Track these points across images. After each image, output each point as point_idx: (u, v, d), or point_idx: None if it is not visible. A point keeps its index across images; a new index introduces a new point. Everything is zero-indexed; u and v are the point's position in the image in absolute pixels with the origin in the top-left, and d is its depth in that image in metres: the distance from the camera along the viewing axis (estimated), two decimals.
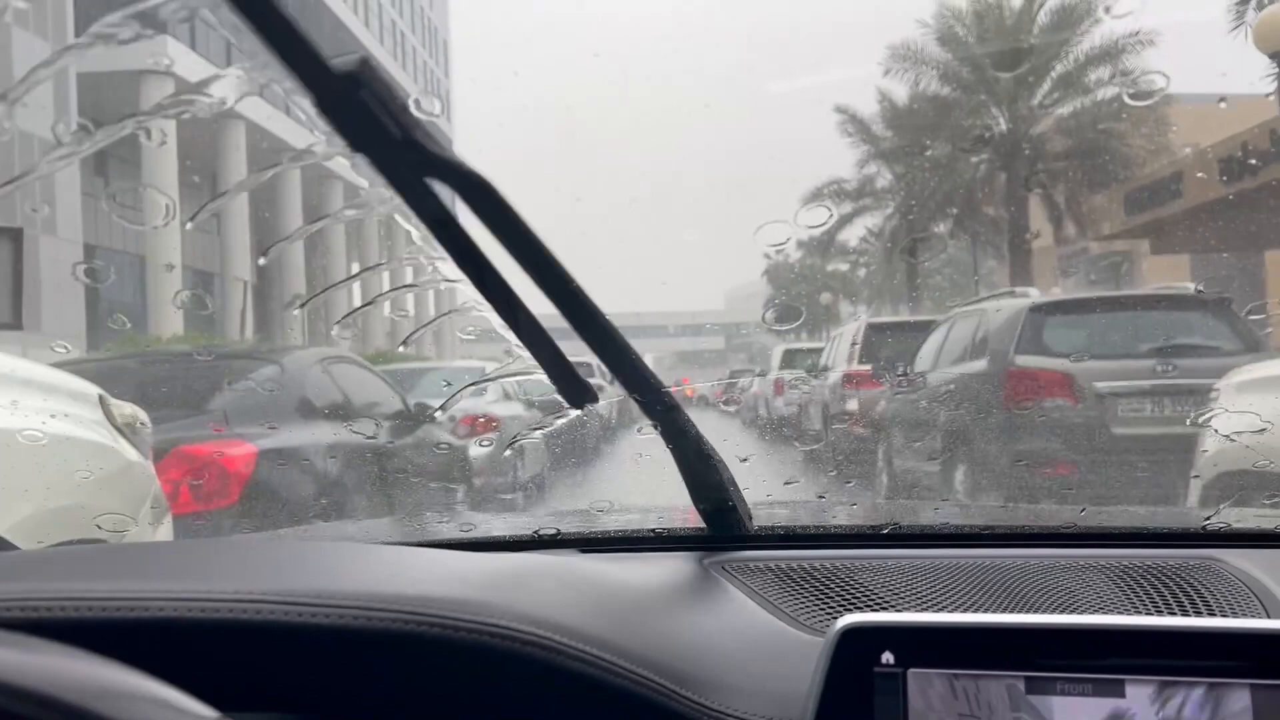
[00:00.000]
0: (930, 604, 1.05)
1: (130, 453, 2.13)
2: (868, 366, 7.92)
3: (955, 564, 1.12)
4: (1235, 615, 0.99)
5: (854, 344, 8.96)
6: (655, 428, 1.05)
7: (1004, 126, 19.77)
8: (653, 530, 1.31)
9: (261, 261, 26.45)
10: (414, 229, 0.86)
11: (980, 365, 5.24)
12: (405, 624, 0.77)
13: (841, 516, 1.54)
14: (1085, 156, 18.53)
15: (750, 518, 1.21)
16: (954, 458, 5.20)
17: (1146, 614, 1.00)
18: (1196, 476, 2.86)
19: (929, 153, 20.31)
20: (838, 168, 24.52)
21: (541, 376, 0.98)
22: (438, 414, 4.70)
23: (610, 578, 1.01)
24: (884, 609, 1.04)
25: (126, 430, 2.16)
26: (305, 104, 0.71)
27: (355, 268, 36.96)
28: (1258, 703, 0.72)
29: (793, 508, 1.68)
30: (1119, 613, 1.01)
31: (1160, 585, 1.04)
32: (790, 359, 14.95)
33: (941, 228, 23.21)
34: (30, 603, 0.75)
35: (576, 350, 0.97)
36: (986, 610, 1.03)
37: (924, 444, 5.59)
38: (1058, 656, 0.76)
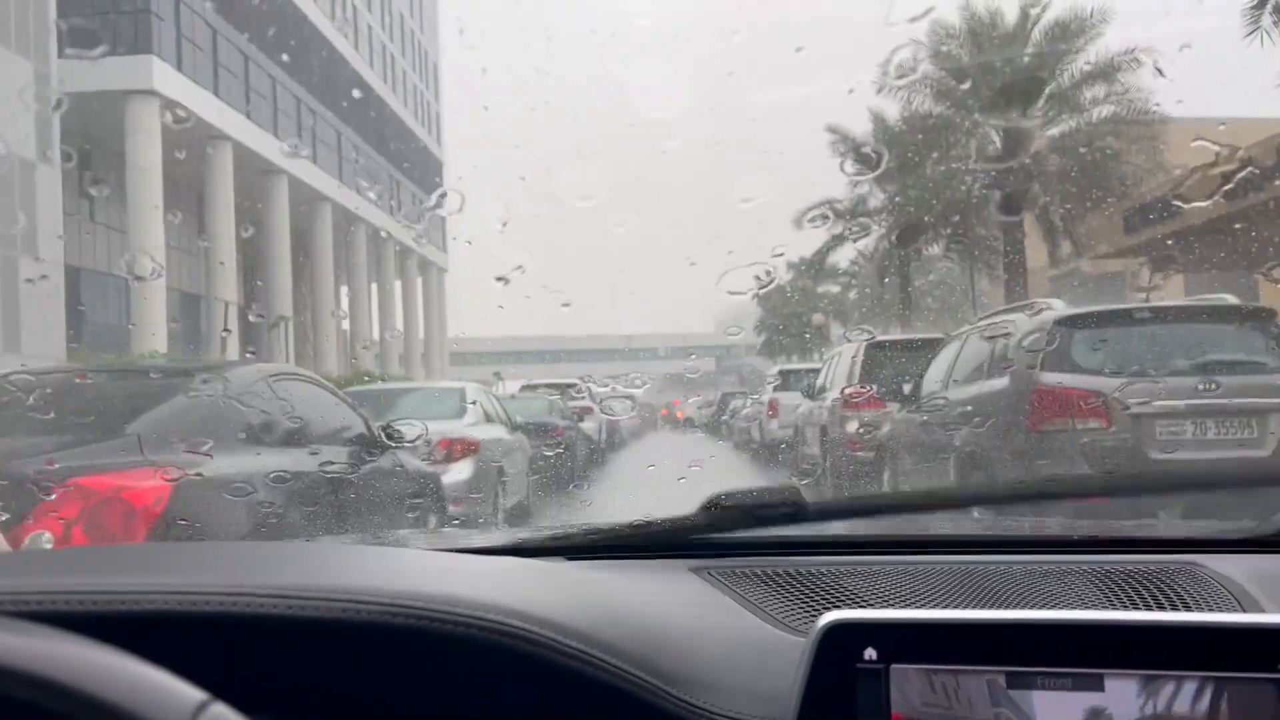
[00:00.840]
0: (913, 607, 1.04)
1: None
2: (870, 387, 7.51)
3: (939, 569, 1.12)
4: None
5: (854, 363, 8.54)
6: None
7: (998, 145, 19.52)
8: (638, 540, 1.29)
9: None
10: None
11: (1000, 384, 4.81)
12: (393, 616, 0.78)
13: (827, 526, 1.51)
14: (1081, 175, 18.28)
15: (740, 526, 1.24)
16: (969, 484, 4.79)
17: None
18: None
19: (924, 171, 20.04)
20: (830, 188, 24.29)
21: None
22: (411, 439, 4.27)
23: (596, 581, 1.03)
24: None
25: None
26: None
27: (344, 290, 36.76)
28: (1234, 696, 0.72)
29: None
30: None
31: (1141, 588, 1.04)
32: (785, 380, 14.56)
33: (935, 247, 22.95)
34: (24, 596, 0.77)
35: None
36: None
37: (934, 468, 5.19)
38: (1038, 652, 0.76)
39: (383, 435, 3.91)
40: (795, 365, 18.04)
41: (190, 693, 0.50)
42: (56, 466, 2.28)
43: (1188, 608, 1.00)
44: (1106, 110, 18.44)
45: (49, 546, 2.17)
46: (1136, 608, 1.01)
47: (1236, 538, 1.25)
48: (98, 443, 2.55)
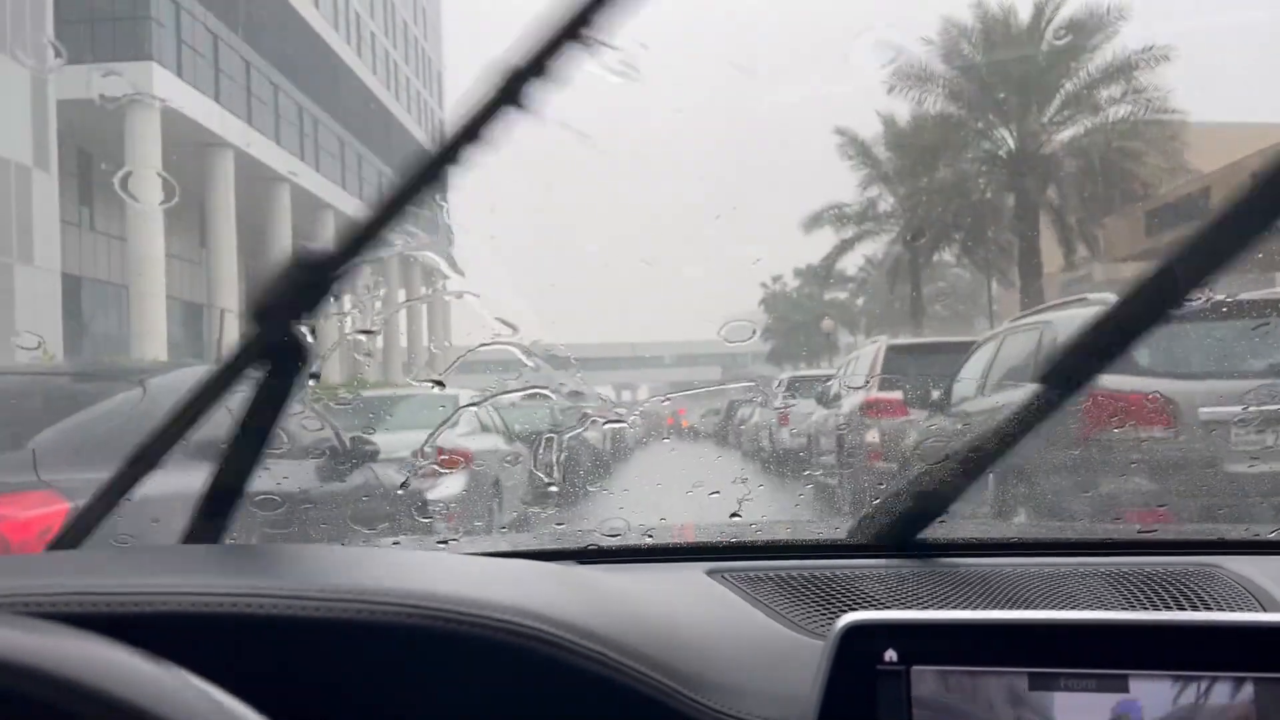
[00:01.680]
0: (932, 609, 1.02)
1: None
2: (894, 393, 7.02)
3: (957, 572, 1.11)
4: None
5: (873, 368, 8.04)
6: None
7: (1012, 145, 19.08)
8: (652, 544, 1.31)
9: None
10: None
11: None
12: (408, 617, 0.77)
13: (843, 531, 1.43)
14: (1099, 176, 17.83)
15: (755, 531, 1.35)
16: (1009, 499, 4.33)
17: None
18: None
19: (936, 174, 19.60)
20: (838, 192, 23.89)
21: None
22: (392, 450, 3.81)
23: (612, 584, 1.02)
24: None
25: None
26: None
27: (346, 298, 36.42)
28: (1261, 697, 0.71)
29: (794, 526, 1.68)
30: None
31: (1161, 589, 1.03)
32: (795, 387, 14.08)
33: (947, 252, 22.52)
34: (36, 597, 0.76)
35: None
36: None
37: (969, 481, 4.71)
38: (1061, 653, 0.75)
39: (358, 447, 3.45)
40: (807, 371, 17.61)
41: (204, 692, 0.51)
42: None
43: (1208, 609, 0.99)
44: (1123, 110, 17.99)
45: None
46: (1156, 609, 1.00)
47: (1256, 539, 1.25)
48: None
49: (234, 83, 28.20)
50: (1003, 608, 1.01)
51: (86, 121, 21.77)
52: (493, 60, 0.81)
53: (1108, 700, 0.74)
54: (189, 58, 26.41)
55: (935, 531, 1.29)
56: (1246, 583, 1.03)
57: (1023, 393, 1.05)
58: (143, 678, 0.50)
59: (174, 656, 0.55)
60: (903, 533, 1.24)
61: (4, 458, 2.14)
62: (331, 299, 0.91)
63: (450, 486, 5.36)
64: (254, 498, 2.72)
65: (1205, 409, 3.88)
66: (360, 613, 0.77)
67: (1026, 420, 1.06)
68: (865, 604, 1.04)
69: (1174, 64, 17.41)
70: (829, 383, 10.53)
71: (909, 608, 1.03)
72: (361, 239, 0.91)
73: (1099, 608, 1.01)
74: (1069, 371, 1.03)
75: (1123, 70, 17.71)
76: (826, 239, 24.67)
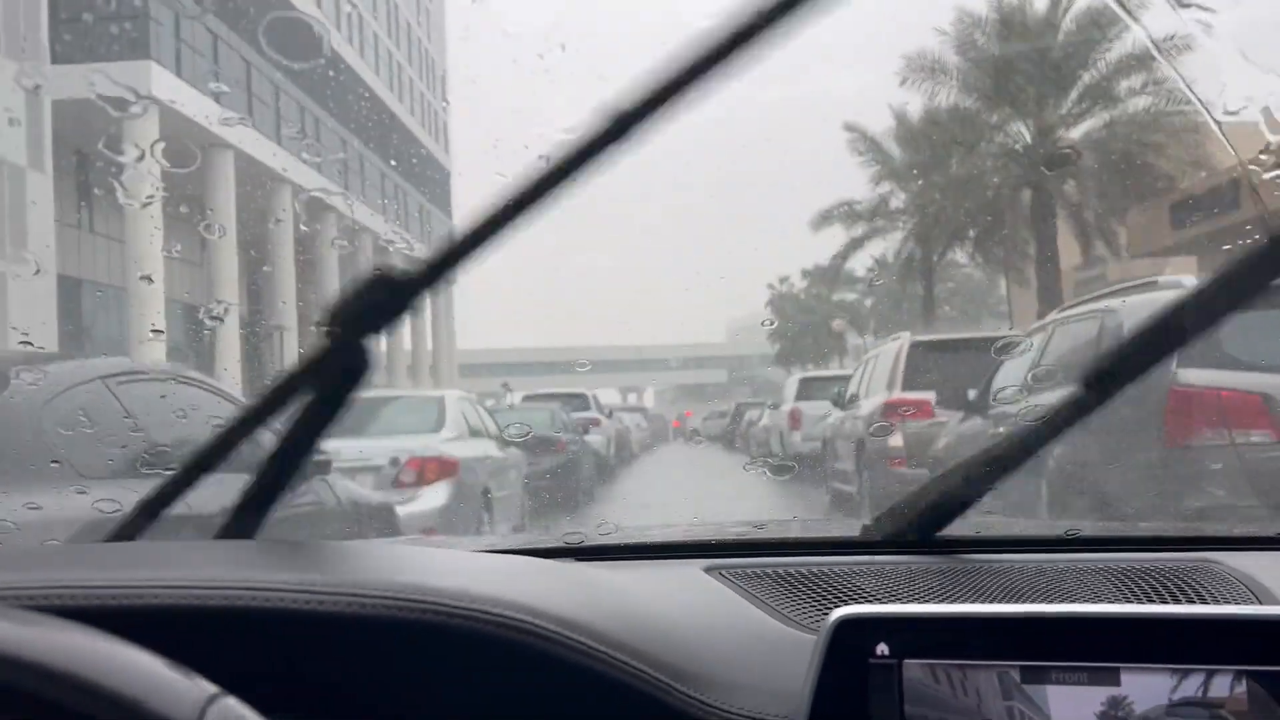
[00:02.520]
0: (926, 604, 1.02)
1: None
2: (924, 394, 6.42)
3: (952, 568, 1.11)
4: None
5: (896, 367, 7.41)
6: None
7: (1029, 139, 18.50)
8: (650, 541, 1.32)
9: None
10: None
11: None
12: (399, 610, 0.77)
13: (841, 528, 1.41)
14: (1120, 170, 17.24)
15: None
16: (1069, 515, 3.77)
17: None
18: None
19: (950, 169, 19.02)
20: (847, 189, 23.35)
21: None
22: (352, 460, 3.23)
23: (608, 579, 1.03)
24: None
25: None
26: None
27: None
28: (1253, 689, 0.72)
29: (794, 524, 1.69)
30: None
31: (1158, 585, 1.03)
32: (808, 389, 13.49)
33: (961, 250, 21.94)
34: (28, 590, 0.76)
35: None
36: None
37: (1014, 491, 4.15)
38: (1052, 646, 0.76)
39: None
40: (819, 373, 17.03)
41: (200, 685, 0.51)
42: None
43: (1205, 603, 0.98)
44: (1144, 101, 17.41)
45: None
46: (1153, 603, 0.99)
47: (1255, 535, 1.25)
48: None
49: (234, 83, 27.89)
50: (998, 602, 1.01)
51: (84, 121, 21.39)
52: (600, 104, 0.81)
53: (1099, 693, 0.73)
54: (188, 57, 26.11)
55: (932, 529, 1.27)
56: (1245, 578, 1.03)
57: (1079, 390, 0.96)
58: (130, 668, 0.51)
59: (165, 649, 0.55)
60: (902, 530, 1.23)
61: None
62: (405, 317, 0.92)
63: (431, 499, 4.80)
64: (166, 519, 2.19)
65: None
66: (351, 605, 0.77)
67: (1065, 419, 1.00)
68: (862, 600, 1.03)
69: (1196, 54, 16.80)
70: (845, 383, 9.94)
71: (904, 602, 1.02)
72: (441, 264, 0.90)
73: (1095, 602, 1.00)
74: (1137, 365, 0.98)
75: (1143, 61, 17.13)
76: (835, 239, 24.18)
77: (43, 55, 22.11)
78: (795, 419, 12.69)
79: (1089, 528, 1.31)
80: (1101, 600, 1.01)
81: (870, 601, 1.01)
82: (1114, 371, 0.97)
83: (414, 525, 4.34)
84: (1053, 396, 3.54)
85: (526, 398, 12.90)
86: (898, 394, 6.99)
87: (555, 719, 0.79)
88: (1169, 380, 3.34)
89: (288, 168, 28.15)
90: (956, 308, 33.41)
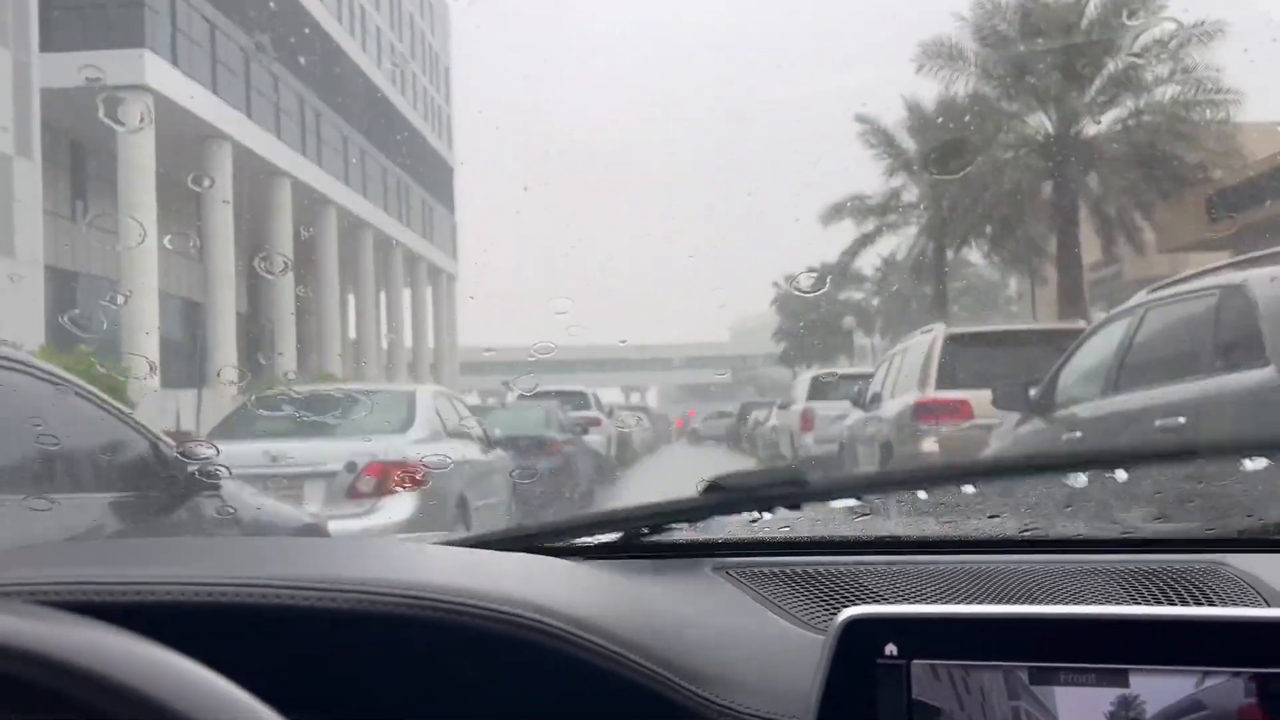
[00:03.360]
0: (935, 604, 1.01)
1: None
2: (957, 392, 5.67)
3: (961, 569, 1.10)
4: None
5: (928, 362, 6.64)
6: None
7: (1051, 130, 17.74)
8: (657, 541, 1.27)
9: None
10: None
11: (1253, 378, 2.99)
12: (409, 608, 0.78)
13: (847, 528, 1.35)
14: (1148, 162, 16.50)
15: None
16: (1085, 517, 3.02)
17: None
18: None
19: (965, 161, 18.27)
20: (857, 185, 22.61)
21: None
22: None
23: (616, 578, 1.03)
24: None
25: None
26: None
27: (351, 299, 35.46)
28: (1263, 691, 0.71)
29: (796, 524, 1.64)
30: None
31: (1166, 586, 1.02)
32: (820, 388, 12.74)
33: (978, 246, 21.21)
34: (41, 586, 0.76)
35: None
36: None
37: (1097, 509, 3.41)
38: (1062, 647, 0.75)
39: (179, 465, 2.10)
40: (834, 370, 16.29)
41: (211, 679, 0.51)
42: None
43: (1214, 605, 0.97)
44: (1173, 90, 16.65)
45: None
46: (1161, 605, 0.98)
47: (1263, 537, 1.21)
48: None
49: (232, 74, 27.30)
50: (1006, 603, 1.00)
51: (76, 110, 20.78)
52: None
53: (1108, 694, 0.73)
54: (184, 46, 25.54)
55: (941, 529, 1.24)
56: (1253, 579, 1.01)
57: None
58: (142, 663, 0.51)
59: (174, 644, 0.55)
60: (910, 530, 1.23)
61: None
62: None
63: (393, 512, 4.05)
64: None
65: None
66: (361, 603, 0.77)
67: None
68: (871, 600, 1.02)
69: (1228, 37, 16.07)
70: (865, 382, 9.18)
71: (912, 603, 1.01)
72: None
73: (1105, 604, 0.99)
74: None
75: (1170, 47, 16.38)
76: (844, 235, 23.47)
77: (30, 39, 21.56)
78: (807, 420, 11.98)
79: (1097, 529, 1.30)
80: (1110, 601, 1.00)
81: (878, 602, 1.01)
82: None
83: None
84: (1150, 396, 3.12)
85: (521, 395, 12.20)
86: (930, 393, 6.25)
87: (566, 717, 0.78)
88: None
89: (291, 168, 27.62)
90: (965, 307, 32.75)
